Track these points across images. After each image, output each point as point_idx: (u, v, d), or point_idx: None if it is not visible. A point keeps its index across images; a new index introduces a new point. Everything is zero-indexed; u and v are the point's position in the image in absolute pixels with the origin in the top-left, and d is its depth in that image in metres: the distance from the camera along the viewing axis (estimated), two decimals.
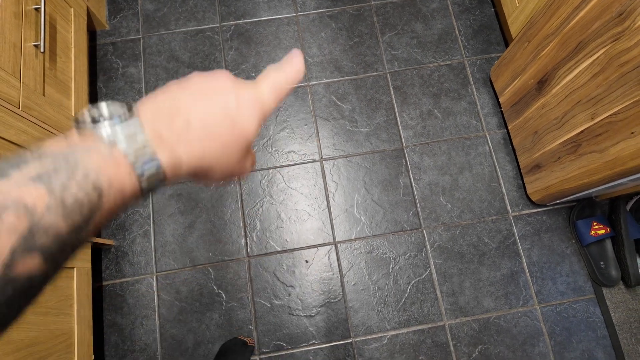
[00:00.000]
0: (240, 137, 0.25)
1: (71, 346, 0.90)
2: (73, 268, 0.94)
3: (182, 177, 0.25)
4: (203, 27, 1.34)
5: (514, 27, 1.20)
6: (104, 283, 1.12)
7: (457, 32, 1.35)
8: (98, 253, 1.14)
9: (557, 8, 0.89)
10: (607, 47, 0.77)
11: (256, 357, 1.07)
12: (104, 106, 0.22)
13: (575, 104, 0.90)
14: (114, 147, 0.21)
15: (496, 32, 1.35)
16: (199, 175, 0.26)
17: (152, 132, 0.22)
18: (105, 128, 0.22)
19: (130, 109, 0.23)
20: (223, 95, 0.25)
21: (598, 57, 0.80)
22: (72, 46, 1.09)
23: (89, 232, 0.20)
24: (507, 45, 1.33)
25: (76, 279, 0.94)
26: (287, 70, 0.28)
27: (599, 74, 0.81)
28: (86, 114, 0.22)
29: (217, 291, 1.12)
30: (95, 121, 0.22)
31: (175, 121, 0.23)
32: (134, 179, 0.22)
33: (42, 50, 0.88)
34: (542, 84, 1.01)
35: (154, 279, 1.12)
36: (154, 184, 0.23)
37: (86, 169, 0.20)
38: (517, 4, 1.16)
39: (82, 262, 0.97)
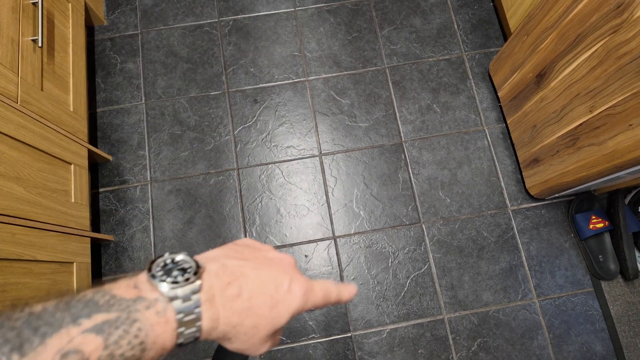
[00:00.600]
0: (274, 319, 0.27)
1: None
2: (73, 263, 0.94)
3: (209, 337, 0.26)
4: (201, 22, 1.34)
5: (513, 21, 1.20)
6: (104, 279, 1.12)
7: (455, 26, 1.35)
8: (97, 248, 1.14)
9: (556, 1, 0.89)
10: (606, 40, 0.77)
11: None
12: (179, 257, 0.25)
13: (573, 97, 0.90)
14: (170, 304, 0.23)
15: (495, 27, 1.35)
16: (222, 339, 0.27)
17: (206, 294, 0.25)
18: (169, 286, 0.24)
19: (197, 268, 0.25)
20: (280, 277, 0.27)
21: (596, 49, 0.80)
22: (70, 41, 1.09)
23: None
24: (505, 39, 1.33)
25: (75, 274, 0.95)
26: (341, 288, 0.31)
27: (598, 66, 0.81)
28: (160, 261, 0.25)
29: None
30: (165, 267, 0.25)
31: (230, 288, 0.25)
32: (175, 336, 0.24)
33: (39, 45, 0.88)
34: (540, 77, 1.01)
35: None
36: (188, 341, 0.25)
37: (140, 326, 0.22)
38: None
39: (81, 257, 0.98)
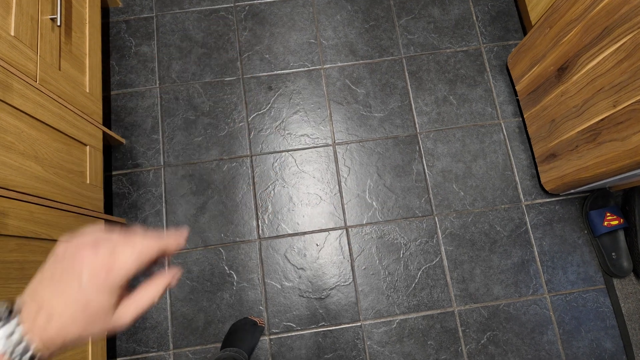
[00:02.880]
0: (96, 311, 0.28)
1: None
2: None
3: (61, 351, 0.29)
4: (217, 6, 1.32)
5: (534, 14, 1.18)
6: None
7: (474, 17, 1.33)
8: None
9: None
10: (635, 33, 0.76)
11: (266, 338, 1.08)
12: None
13: (596, 92, 0.89)
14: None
15: (514, 19, 1.33)
16: (73, 345, 0.29)
17: (27, 328, 0.27)
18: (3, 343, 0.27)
19: (11, 310, 0.28)
20: (74, 279, 0.28)
21: (624, 43, 0.79)
22: (87, 22, 1.08)
23: None
24: (525, 32, 1.31)
25: None
26: (165, 242, 0.32)
27: (624, 60, 0.80)
28: None
29: (228, 271, 1.12)
30: None
31: (39, 317, 0.28)
32: None
33: (58, 23, 0.87)
34: (562, 71, 0.99)
35: (165, 258, 1.12)
36: None
37: None
38: None
39: None
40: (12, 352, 0.27)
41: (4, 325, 0.27)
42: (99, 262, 0.29)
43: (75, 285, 0.28)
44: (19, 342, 0.27)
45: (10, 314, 0.28)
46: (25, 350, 0.27)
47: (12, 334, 0.27)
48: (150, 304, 0.32)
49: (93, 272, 0.28)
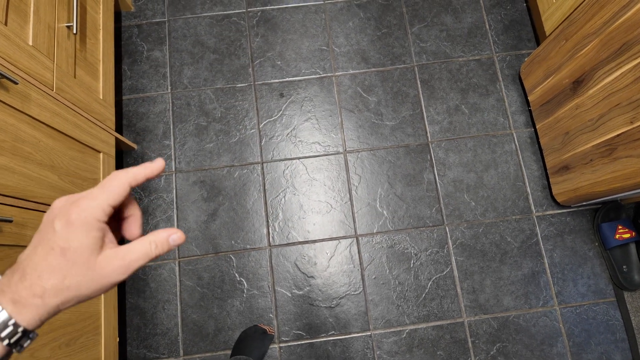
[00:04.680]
0: (75, 254, 0.26)
1: (98, 328, 0.91)
2: None
3: (54, 314, 0.28)
4: (229, 12, 1.32)
5: (549, 24, 1.18)
6: None
7: (487, 26, 1.32)
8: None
9: (601, 7, 0.87)
10: None
11: (276, 346, 1.09)
12: None
13: (613, 107, 0.89)
14: None
15: (527, 28, 1.32)
16: (68, 304, 0.28)
17: (7, 299, 0.26)
18: None
19: None
20: (46, 232, 0.27)
21: None
22: (101, 28, 1.08)
23: None
24: (538, 42, 1.30)
25: None
26: (135, 172, 0.30)
27: None
28: None
29: (238, 279, 1.12)
30: None
31: (14, 277, 0.26)
32: None
33: (74, 31, 0.87)
34: (577, 84, 0.99)
35: (177, 265, 1.13)
36: (17, 341, 0.26)
37: None
38: (554, 0, 1.13)
39: None
40: None
41: None
42: (69, 203, 0.28)
43: (50, 234, 0.27)
44: None
45: None
46: (5, 322, 0.26)
47: None
48: (144, 259, 0.29)
49: (62, 213, 0.27)
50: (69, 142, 0.87)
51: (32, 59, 0.76)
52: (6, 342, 0.26)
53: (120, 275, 0.28)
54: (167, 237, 0.30)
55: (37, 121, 0.77)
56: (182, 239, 0.30)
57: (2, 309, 0.26)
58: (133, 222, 0.32)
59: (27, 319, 0.26)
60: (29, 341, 0.27)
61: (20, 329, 0.26)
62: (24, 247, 0.70)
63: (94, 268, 0.27)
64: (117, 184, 0.29)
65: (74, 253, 0.26)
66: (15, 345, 0.26)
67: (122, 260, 0.28)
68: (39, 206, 0.74)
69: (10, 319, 0.26)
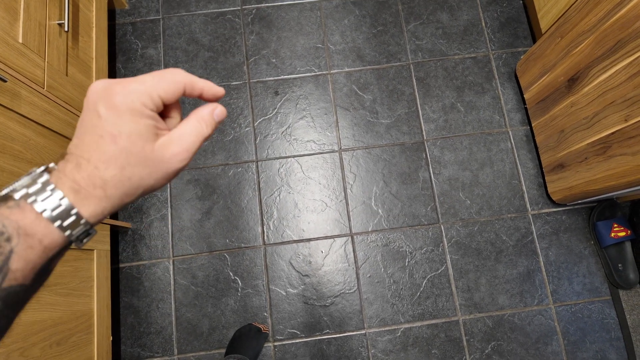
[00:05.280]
0: (128, 140, 0.24)
1: (91, 327, 0.91)
2: (93, 250, 0.94)
3: (119, 207, 0.25)
4: (224, 9, 1.31)
5: (545, 22, 1.17)
6: (121, 265, 1.13)
7: (483, 24, 1.32)
8: (115, 235, 1.14)
9: (596, 4, 0.87)
10: None
11: (270, 344, 1.08)
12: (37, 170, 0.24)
13: (607, 105, 0.88)
14: (22, 199, 0.22)
15: (524, 26, 1.32)
16: (140, 194, 0.26)
17: (55, 180, 0.23)
18: (18, 188, 0.23)
19: (47, 169, 0.24)
20: (90, 118, 0.24)
21: (638, 57, 0.78)
22: (94, 25, 1.07)
23: (11, 277, 0.21)
24: (534, 39, 1.30)
25: (96, 260, 0.95)
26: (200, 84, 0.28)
27: (638, 74, 0.79)
28: (17, 185, 0.24)
29: (233, 277, 1.12)
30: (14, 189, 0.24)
31: (67, 166, 0.24)
32: (50, 226, 0.23)
33: (66, 29, 0.87)
34: (572, 81, 0.98)
35: (171, 263, 1.13)
36: (78, 235, 0.24)
37: None
38: None
39: (101, 244, 0.98)
40: (42, 204, 0.22)
41: (32, 182, 0.23)
42: (113, 84, 0.25)
43: (95, 121, 0.24)
44: (50, 195, 0.23)
45: (45, 171, 0.24)
46: (58, 204, 0.23)
47: (43, 188, 0.23)
48: (200, 138, 0.27)
49: (107, 98, 0.24)
50: (60, 141, 0.87)
51: (22, 56, 0.76)
52: (67, 232, 0.23)
53: (182, 161, 0.26)
54: (211, 113, 0.28)
55: (28, 119, 0.76)
56: (224, 112, 0.29)
57: (64, 196, 0.23)
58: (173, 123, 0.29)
59: (89, 210, 0.24)
60: (88, 237, 0.25)
61: (82, 221, 0.24)
62: None
63: (153, 157, 0.25)
64: (173, 78, 0.26)
65: (127, 140, 0.24)
66: (76, 240, 0.24)
67: (179, 145, 0.26)
68: None
69: (72, 207, 0.23)
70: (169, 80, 0.26)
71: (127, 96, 0.24)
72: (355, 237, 1.16)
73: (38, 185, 0.23)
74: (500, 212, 1.17)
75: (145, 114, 0.25)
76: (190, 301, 1.11)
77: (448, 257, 1.14)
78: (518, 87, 1.26)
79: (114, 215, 1.15)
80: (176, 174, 0.27)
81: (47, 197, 0.23)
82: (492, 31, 1.31)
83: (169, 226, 1.15)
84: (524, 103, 1.23)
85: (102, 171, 0.24)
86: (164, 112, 0.28)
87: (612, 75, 0.85)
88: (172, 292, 1.11)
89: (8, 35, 0.73)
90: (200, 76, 1.23)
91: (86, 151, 0.24)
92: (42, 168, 0.24)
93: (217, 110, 0.28)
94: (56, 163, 0.25)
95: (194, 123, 0.27)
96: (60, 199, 0.23)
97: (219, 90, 0.29)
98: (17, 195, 0.23)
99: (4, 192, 0.23)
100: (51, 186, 0.23)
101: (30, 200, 0.22)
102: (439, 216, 1.17)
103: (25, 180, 0.23)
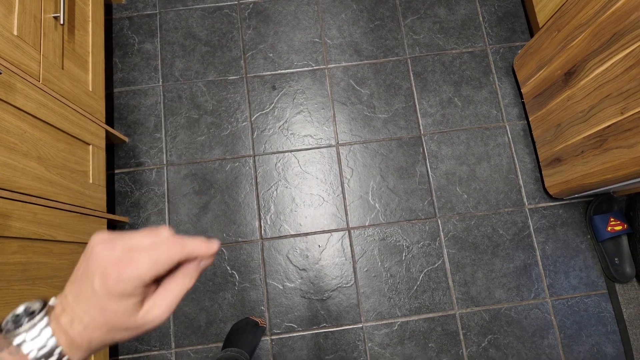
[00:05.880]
0: (115, 315, 0.28)
1: None
2: None
3: (89, 353, 0.29)
4: (221, 4, 1.31)
5: (542, 16, 1.17)
6: None
7: (481, 18, 1.31)
8: (112, 229, 1.14)
9: None
10: None
11: (267, 338, 1.09)
12: (21, 308, 0.28)
13: (604, 98, 0.88)
14: (20, 347, 0.27)
15: (521, 20, 1.31)
16: (101, 347, 0.30)
17: (53, 328, 0.28)
18: (18, 333, 0.27)
19: (43, 307, 0.29)
20: (85, 285, 0.28)
21: (634, 49, 0.78)
22: (90, 19, 1.07)
23: None
24: (532, 34, 1.30)
25: None
26: (194, 246, 0.30)
27: (634, 67, 0.79)
28: (8, 317, 0.28)
29: (230, 272, 1.12)
30: (15, 321, 0.28)
31: (62, 318, 0.28)
32: None
33: (61, 22, 0.86)
34: (569, 75, 0.98)
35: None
36: None
37: None
38: None
39: None
40: (36, 352, 0.27)
41: (32, 322, 0.28)
42: (112, 263, 0.27)
43: (89, 288, 0.27)
44: (45, 344, 0.27)
45: (42, 309, 0.28)
46: (51, 352, 0.27)
47: (40, 335, 0.27)
48: (182, 293, 0.29)
49: (103, 276, 0.27)
50: (56, 134, 0.87)
51: (17, 49, 0.76)
52: None
53: (164, 318, 0.29)
54: (197, 265, 0.30)
55: (23, 112, 0.76)
56: (210, 262, 0.30)
57: (58, 344, 0.27)
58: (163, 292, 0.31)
59: (76, 358, 0.28)
60: None
61: None
62: (8, 237, 0.69)
63: (135, 325, 0.28)
64: (169, 258, 0.28)
65: (113, 315, 0.28)
66: None
67: (160, 308, 0.29)
68: (24, 197, 0.74)
69: (64, 356, 0.27)
70: (165, 262, 0.28)
71: (121, 282, 0.27)
72: (352, 231, 1.16)
73: (36, 331, 0.27)
74: (497, 206, 1.17)
75: (135, 294, 0.27)
76: (187, 295, 1.11)
77: (445, 251, 1.15)
78: (515, 82, 1.26)
79: (111, 210, 1.16)
80: (157, 327, 0.31)
81: (42, 347, 0.27)
82: (490, 25, 1.31)
83: (166, 221, 1.15)
84: (521, 97, 1.23)
85: (90, 332, 0.28)
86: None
87: (608, 68, 0.85)
88: None
89: (3, 28, 0.73)
90: (197, 71, 1.23)
91: (79, 310, 0.28)
92: (43, 312, 0.28)
93: (202, 262, 0.30)
94: (56, 297, 0.29)
95: (179, 281, 0.29)
96: (56, 350, 0.27)
97: (214, 248, 0.30)
98: (15, 341, 0.27)
99: (6, 324, 0.28)
100: (48, 334, 0.27)
101: (25, 349, 0.27)
102: (436, 210, 1.17)
103: (26, 326, 0.27)
